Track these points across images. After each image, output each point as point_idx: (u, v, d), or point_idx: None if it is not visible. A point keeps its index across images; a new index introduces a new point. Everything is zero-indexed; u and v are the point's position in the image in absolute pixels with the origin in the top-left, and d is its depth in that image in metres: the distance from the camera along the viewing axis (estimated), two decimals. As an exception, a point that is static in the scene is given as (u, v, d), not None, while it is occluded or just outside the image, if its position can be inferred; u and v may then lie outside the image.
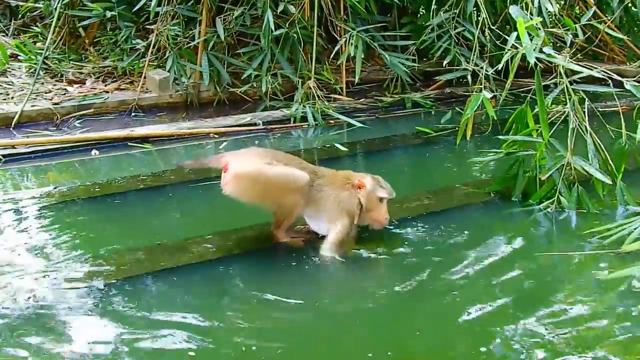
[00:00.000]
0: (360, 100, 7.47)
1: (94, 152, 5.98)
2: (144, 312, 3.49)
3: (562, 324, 3.28)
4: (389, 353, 3.11)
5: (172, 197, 5.19)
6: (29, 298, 3.58)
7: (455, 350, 3.18)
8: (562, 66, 4.80)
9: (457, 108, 7.04)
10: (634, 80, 4.62)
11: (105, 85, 7.19)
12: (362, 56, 7.16)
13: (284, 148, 6.24)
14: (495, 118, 5.42)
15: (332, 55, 7.33)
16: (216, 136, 6.45)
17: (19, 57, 7.57)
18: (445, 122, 6.76)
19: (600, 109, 5.33)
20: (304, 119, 6.80)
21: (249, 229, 4.44)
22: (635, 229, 4.06)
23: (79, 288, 3.70)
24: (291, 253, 4.08)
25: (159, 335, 3.28)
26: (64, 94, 6.90)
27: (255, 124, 6.69)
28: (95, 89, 7.08)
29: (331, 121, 6.86)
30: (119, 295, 3.65)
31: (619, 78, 4.68)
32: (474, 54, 6.93)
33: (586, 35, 7.05)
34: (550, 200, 4.62)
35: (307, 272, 3.92)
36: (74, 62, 7.54)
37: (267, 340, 3.25)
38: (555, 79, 4.91)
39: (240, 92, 7.20)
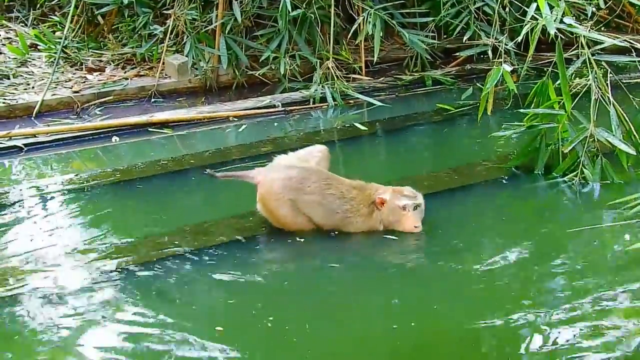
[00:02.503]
0: (380, 80, 7.40)
1: (114, 138, 6.02)
2: (168, 294, 3.53)
3: (588, 294, 3.24)
4: (412, 324, 3.15)
5: (194, 180, 5.21)
6: (52, 281, 3.63)
7: (477, 323, 3.16)
8: (584, 37, 4.70)
9: (478, 84, 6.95)
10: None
11: (125, 72, 7.21)
12: (381, 34, 7.07)
13: (304, 129, 6.23)
14: (517, 92, 5.33)
15: (350, 35, 7.26)
16: (235, 119, 6.44)
17: (38, 47, 7.62)
18: (466, 98, 6.68)
19: (625, 81, 5.22)
20: (323, 99, 6.76)
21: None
22: (661, 199, 3.99)
23: (102, 272, 3.74)
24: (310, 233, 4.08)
25: (185, 314, 3.32)
26: (84, 82, 6.94)
27: (274, 106, 6.67)
28: (114, 76, 7.11)
29: (350, 101, 6.82)
30: (142, 278, 3.69)
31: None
32: (494, 29, 6.82)
33: (607, 5, 6.89)
34: (574, 173, 4.56)
35: (328, 246, 3.92)
36: (93, 50, 7.56)
37: (293, 316, 3.27)
38: (577, 51, 4.81)
39: (258, 74, 7.17)
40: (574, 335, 2.96)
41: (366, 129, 6.12)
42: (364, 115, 6.59)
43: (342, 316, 3.29)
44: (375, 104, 6.73)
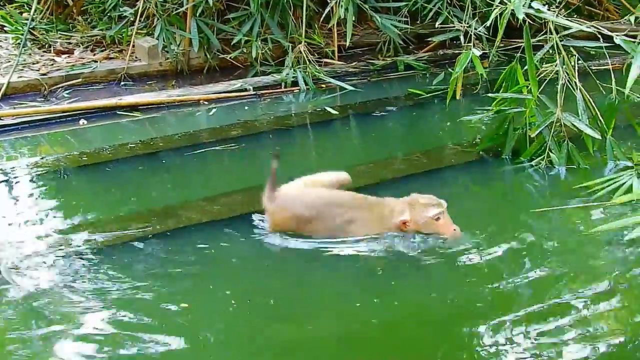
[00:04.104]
0: (353, 64, 7.39)
1: (82, 121, 5.94)
2: (133, 276, 3.50)
3: (553, 275, 3.29)
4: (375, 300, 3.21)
5: (163, 164, 5.17)
6: (17, 264, 3.59)
7: (440, 304, 3.19)
8: (552, 22, 4.73)
9: (450, 69, 6.94)
10: (624, 35, 4.55)
11: (94, 55, 7.12)
12: (354, 19, 7.05)
13: (275, 113, 6.21)
14: (487, 77, 5.35)
15: (322, 19, 7.23)
16: (206, 103, 6.39)
17: (5, 28, 7.48)
18: (437, 83, 6.69)
19: (594, 67, 5.28)
20: (295, 83, 6.74)
21: (239, 193, 4.44)
22: (624, 182, 4.06)
23: (67, 255, 3.71)
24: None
25: (153, 290, 3.32)
26: (52, 64, 6.83)
27: (245, 90, 6.63)
28: (83, 58, 7.01)
29: (323, 85, 6.80)
30: (109, 261, 3.66)
31: (610, 34, 4.61)
32: (466, 14, 6.84)
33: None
34: (541, 157, 4.60)
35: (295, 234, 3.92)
36: (62, 32, 7.44)
37: (261, 295, 3.28)
38: (546, 36, 4.85)
39: (230, 58, 7.12)
40: (536, 314, 3.00)
41: (338, 113, 6.11)
42: (335, 100, 6.58)
43: (301, 308, 3.28)
44: (347, 89, 6.72)
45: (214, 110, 6.26)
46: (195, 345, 2.94)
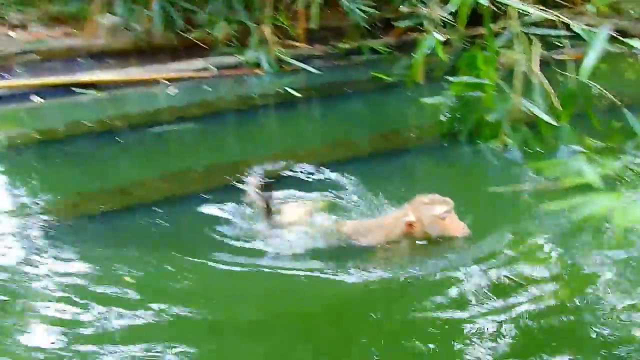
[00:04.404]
0: (318, 47, 7.36)
1: (35, 98, 5.79)
2: (88, 253, 3.45)
3: (503, 252, 3.31)
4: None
5: (121, 143, 5.09)
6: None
7: (399, 288, 3.20)
8: (514, 8, 4.75)
9: (413, 54, 6.97)
10: (585, 25, 4.59)
11: (52, 31, 6.96)
12: (320, 2, 7.03)
13: (237, 94, 6.17)
14: (448, 62, 5.36)
15: (290, 1, 7.18)
16: (167, 82, 6.31)
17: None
18: (401, 68, 6.71)
19: (555, 57, 5.34)
20: (258, 65, 6.69)
21: (196, 172, 4.40)
22: (575, 167, 4.12)
23: (18, 229, 3.64)
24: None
25: (106, 265, 3.29)
26: (7, 39, 6.65)
27: (208, 70, 6.56)
28: (40, 34, 6.85)
29: (286, 67, 6.76)
30: (63, 238, 3.60)
31: (568, 21, 4.64)
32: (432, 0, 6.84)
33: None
34: (497, 141, 4.64)
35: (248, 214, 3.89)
36: (18, 7, 7.26)
37: (215, 273, 3.25)
38: (509, 23, 4.87)
39: (193, 37, 7.03)
40: (485, 286, 3.02)
41: (300, 95, 6.08)
42: (299, 82, 6.55)
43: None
44: (311, 71, 6.69)
45: (174, 89, 6.18)
46: (150, 322, 2.90)
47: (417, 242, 3.38)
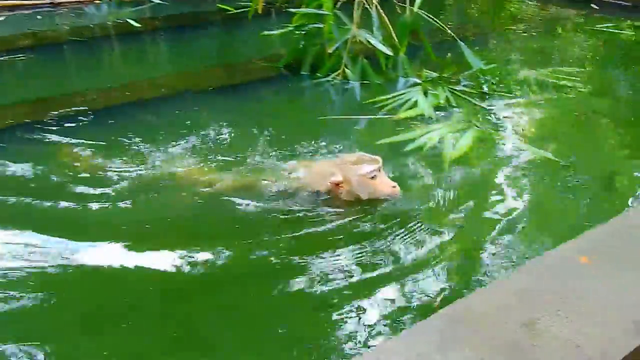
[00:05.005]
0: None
1: None
2: None
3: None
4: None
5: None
6: None
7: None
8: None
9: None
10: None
11: None
12: None
13: (73, 24, 5.81)
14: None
15: None
16: (-6, 10, 5.82)
17: None
18: (247, -1, 6.59)
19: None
20: (97, -6, 6.33)
21: (24, 106, 4.15)
22: (410, 98, 4.29)
23: None
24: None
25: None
26: None
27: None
28: None
29: (127, -3, 6.45)
30: None
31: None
32: None
33: None
34: (337, 73, 4.72)
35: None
36: None
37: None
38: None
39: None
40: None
41: (140, 26, 5.83)
42: (142, 13, 6.27)
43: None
44: (153, 2, 6.42)
45: (1, 18, 5.71)
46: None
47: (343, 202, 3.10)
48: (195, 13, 6.39)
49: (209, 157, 3.50)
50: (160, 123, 3.97)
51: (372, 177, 3.10)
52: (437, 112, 4.20)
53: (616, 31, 6.42)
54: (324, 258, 2.70)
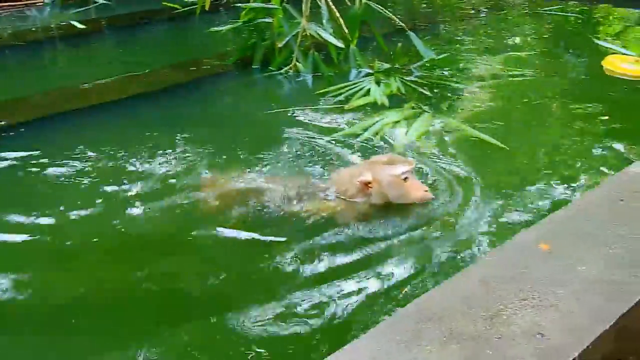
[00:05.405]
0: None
1: None
2: None
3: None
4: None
5: None
6: None
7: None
8: None
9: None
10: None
11: None
12: None
13: (14, 28, 5.62)
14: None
15: None
16: None
17: None
18: (193, -3, 6.48)
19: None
20: (38, -3, 6.13)
21: None
22: (360, 88, 4.27)
23: None
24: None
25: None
26: None
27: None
28: None
29: (71, 0, 6.27)
30: None
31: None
32: None
33: None
34: (289, 67, 4.67)
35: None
36: None
37: None
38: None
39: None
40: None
41: (85, 27, 5.68)
42: (87, 14, 6.12)
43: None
44: (98, 2, 6.27)
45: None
46: None
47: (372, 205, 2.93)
48: (141, 12, 6.25)
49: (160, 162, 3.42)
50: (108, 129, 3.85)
51: (404, 179, 2.93)
52: (390, 102, 4.18)
53: (562, 14, 6.52)
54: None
